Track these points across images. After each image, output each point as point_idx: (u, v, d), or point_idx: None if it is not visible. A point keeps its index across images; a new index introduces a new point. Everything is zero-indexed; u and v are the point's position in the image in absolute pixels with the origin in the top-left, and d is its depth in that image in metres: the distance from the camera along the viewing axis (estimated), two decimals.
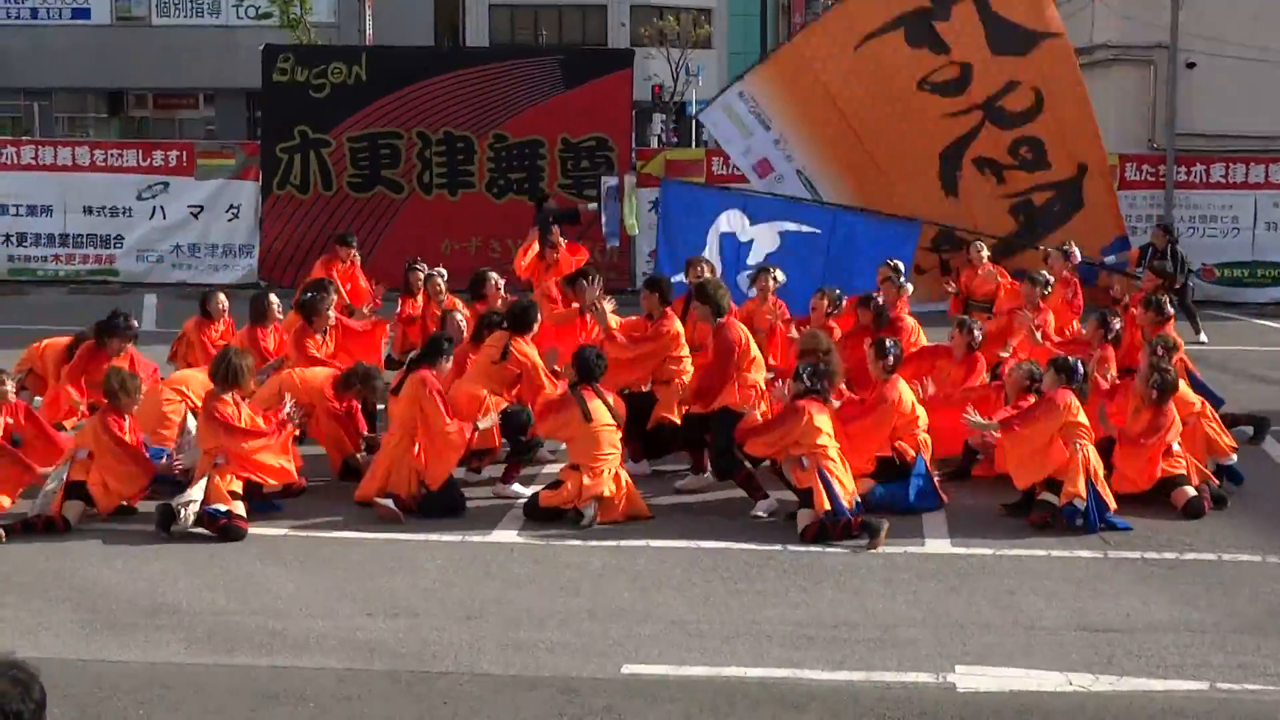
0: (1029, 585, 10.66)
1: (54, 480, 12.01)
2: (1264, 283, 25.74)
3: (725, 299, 13.24)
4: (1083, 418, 12.29)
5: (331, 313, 15.24)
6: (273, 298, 15.42)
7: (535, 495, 12.37)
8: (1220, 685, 8.83)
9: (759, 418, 12.53)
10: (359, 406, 13.88)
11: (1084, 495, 11.92)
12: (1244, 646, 9.45)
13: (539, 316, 13.77)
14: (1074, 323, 17.03)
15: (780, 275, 16.02)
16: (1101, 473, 12.21)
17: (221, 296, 15.77)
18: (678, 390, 13.51)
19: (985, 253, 18.79)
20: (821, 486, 11.69)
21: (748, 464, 12.62)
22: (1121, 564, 11.21)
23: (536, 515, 12.16)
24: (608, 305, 14.40)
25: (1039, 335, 15.04)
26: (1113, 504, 12.12)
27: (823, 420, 11.99)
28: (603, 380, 12.64)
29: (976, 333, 14.58)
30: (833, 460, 11.88)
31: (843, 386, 13.18)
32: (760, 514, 12.34)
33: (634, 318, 14.57)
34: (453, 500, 12.45)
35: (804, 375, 12.10)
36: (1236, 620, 9.96)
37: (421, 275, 17.45)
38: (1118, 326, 14.87)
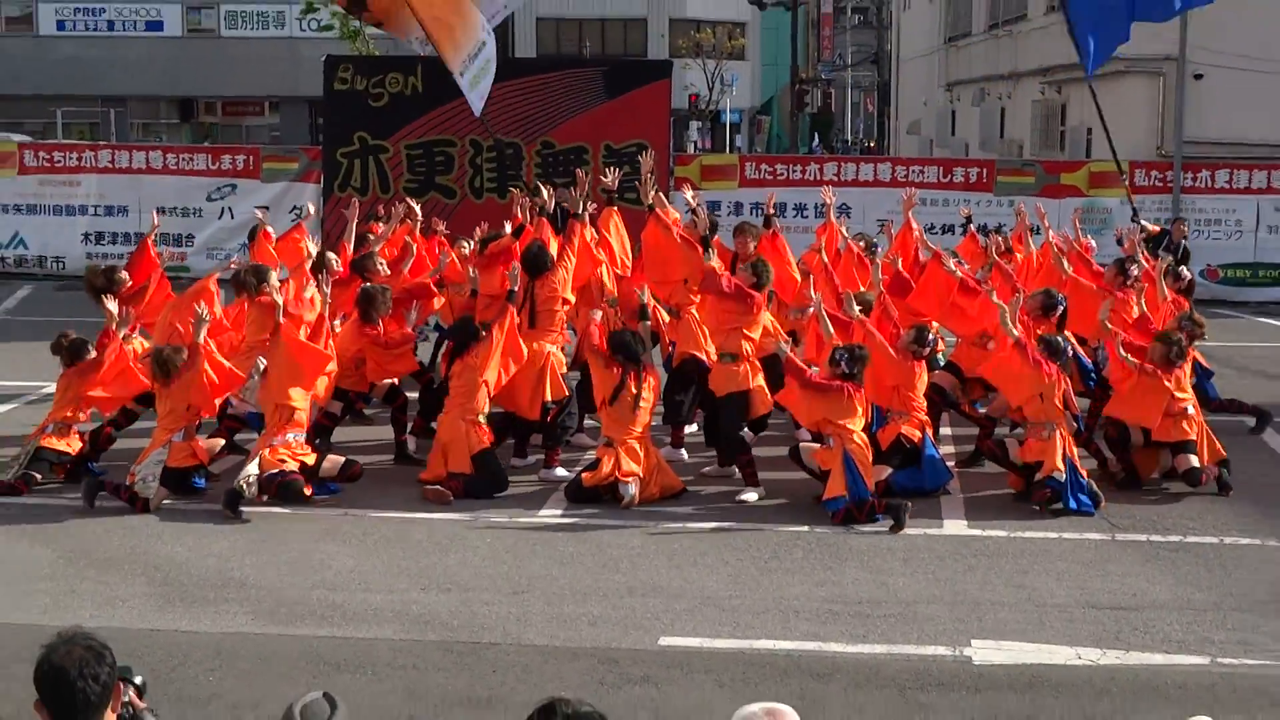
0: (1041, 565, 10.68)
1: (155, 463, 12.01)
2: (1265, 283, 25.56)
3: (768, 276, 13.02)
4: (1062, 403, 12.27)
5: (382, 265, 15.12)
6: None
7: (576, 478, 12.43)
8: (1221, 660, 8.84)
9: (798, 361, 12.41)
10: (394, 335, 13.66)
11: (1063, 469, 11.94)
12: (1244, 624, 9.45)
13: (551, 255, 13.41)
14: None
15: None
16: (1076, 453, 12.25)
17: None
18: (690, 327, 13.42)
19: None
20: (844, 469, 11.70)
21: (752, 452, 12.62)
22: (1128, 546, 11.20)
23: (578, 497, 12.20)
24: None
25: (1066, 264, 14.66)
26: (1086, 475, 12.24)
27: (858, 402, 11.95)
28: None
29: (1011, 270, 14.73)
30: (857, 444, 11.85)
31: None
32: (748, 499, 12.34)
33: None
34: (495, 478, 12.51)
35: (842, 360, 11.94)
36: (1236, 600, 9.96)
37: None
38: (1136, 272, 14.50)
